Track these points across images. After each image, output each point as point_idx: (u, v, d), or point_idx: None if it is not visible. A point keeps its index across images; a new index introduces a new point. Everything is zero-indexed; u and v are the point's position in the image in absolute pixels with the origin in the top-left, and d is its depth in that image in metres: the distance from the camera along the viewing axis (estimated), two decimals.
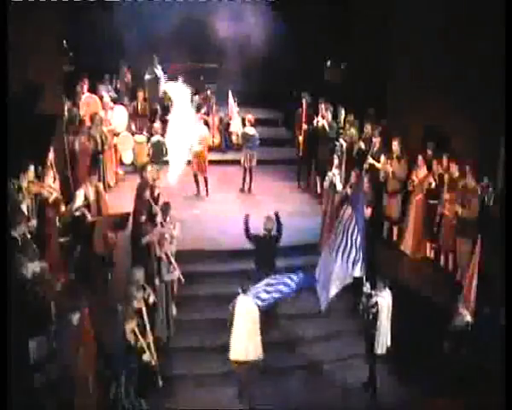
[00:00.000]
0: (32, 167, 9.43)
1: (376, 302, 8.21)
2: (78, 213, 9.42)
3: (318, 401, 8.50)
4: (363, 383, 8.66)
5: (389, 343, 8.39)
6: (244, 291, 8.14)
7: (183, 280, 9.10)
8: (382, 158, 11.45)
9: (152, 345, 7.63)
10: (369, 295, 8.28)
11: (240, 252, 10.14)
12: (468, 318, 8.25)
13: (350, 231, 8.32)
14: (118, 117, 13.24)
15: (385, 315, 8.27)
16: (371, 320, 8.24)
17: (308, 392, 8.64)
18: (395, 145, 11.21)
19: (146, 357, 7.49)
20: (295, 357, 9.27)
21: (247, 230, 9.25)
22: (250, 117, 13.33)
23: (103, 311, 8.25)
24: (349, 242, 8.32)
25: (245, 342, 8.04)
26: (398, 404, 8.32)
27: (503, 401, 6.75)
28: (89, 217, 9.43)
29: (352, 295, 9.21)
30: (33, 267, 7.85)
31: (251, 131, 13.04)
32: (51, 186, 9.60)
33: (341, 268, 8.35)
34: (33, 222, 8.82)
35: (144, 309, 7.66)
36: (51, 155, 10.19)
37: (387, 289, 8.31)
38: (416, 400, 8.20)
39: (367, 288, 8.30)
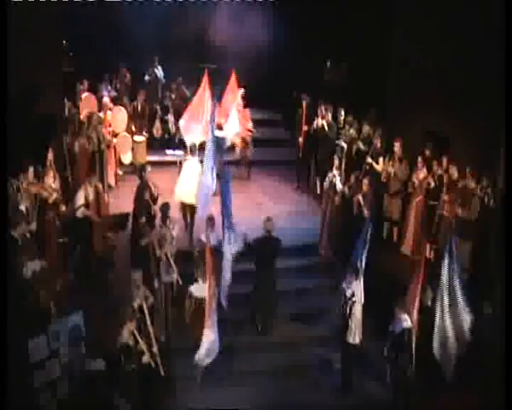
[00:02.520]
0: (31, 168, 9.43)
1: (353, 293, 8.32)
2: (80, 215, 9.42)
3: (316, 401, 8.51)
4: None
5: (361, 336, 8.47)
6: None
7: (180, 282, 9.09)
8: (381, 159, 11.46)
9: (154, 346, 7.62)
10: (344, 289, 8.43)
11: (240, 252, 10.12)
12: (408, 324, 8.00)
13: None
14: (117, 118, 13.23)
15: (359, 306, 8.36)
16: (347, 311, 8.37)
17: (306, 392, 8.65)
18: (397, 146, 11.21)
19: (145, 359, 7.49)
20: (295, 357, 9.27)
21: (248, 246, 9.18)
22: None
23: (103, 311, 8.26)
24: None
25: None
26: (398, 403, 8.30)
27: (503, 401, 6.75)
28: (93, 217, 9.44)
29: None
30: (33, 266, 7.86)
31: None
32: (51, 186, 9.59)
33: None
34: (33, 222, 8.83)
35: (145, 310, 7.65)
36: (50, 155, 10.19)
37: (359, 281, 8.35)
38: (416, 400, 8.19)
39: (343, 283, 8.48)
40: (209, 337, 8.08)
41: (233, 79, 13.25)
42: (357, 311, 8.39)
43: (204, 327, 8.01)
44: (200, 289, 8.44)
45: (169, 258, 8.88)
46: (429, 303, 8.36)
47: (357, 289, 8.34)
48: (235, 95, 13.27)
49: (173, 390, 8.24)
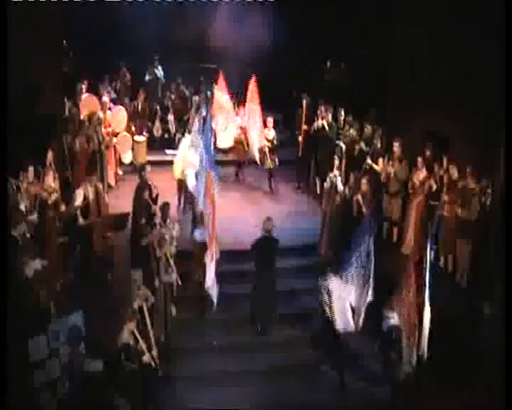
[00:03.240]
0: (31, 168, 9.43)
1: (328, 286, 8.46)
2: (80, 222, 9.42)
3: (316, 401, 8.51)
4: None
5: (343, 327, 8.54)
6: None
7: (180, 282, 9.09)
8: (381, 159, 11.46)
9: (153, 346, 7.62)
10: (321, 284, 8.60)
11: (240, 252, 10.13)
12: (395, 321, 8.03)
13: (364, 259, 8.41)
14: (117, 117, 13.23)
15: (336, 296, 8.44)
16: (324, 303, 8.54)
17: (306, 392, 8.65)
18: (396, 146, 11.21)
19: (145, 358, 7.49)
20: (295, 357, 9.27)
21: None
22: None
23: (103, 311, 8.26)
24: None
25: None
26: (398, 403, 8.30)
27: (503, 401, 6.75)
28: (92, 220, 9.44)
29: None
30: (33, 266, 7.86)
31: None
32: (51, 186, 9.60)
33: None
34: (33, 222, 8.83)
35: (145, 310, 7.65)
36: (50, 155, 10.19)
37: (334, 276, 8.48)
38: (416, 400, 8.19)
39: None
40: (211, 268, 8.80)
41: (253, 85, 12.82)
42: (336, 305, 8.47)
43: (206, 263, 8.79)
44: (202, 234, 9.15)
45: (169, 258, 8.88)
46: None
47: (333, 286, 8.44)
48: (254, 103, 12.86)
49: (173, 390, 8.24)
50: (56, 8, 10.60)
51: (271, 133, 13.06)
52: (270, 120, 13.13)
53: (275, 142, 13.04)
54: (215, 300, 9.05)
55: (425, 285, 7.96)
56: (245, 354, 9.15)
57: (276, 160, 13.06)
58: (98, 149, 11.91)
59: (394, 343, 8.02)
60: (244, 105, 13.20)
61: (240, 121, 13.29)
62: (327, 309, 8.47)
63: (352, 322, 8.57)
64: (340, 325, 8.49)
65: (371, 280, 8.36)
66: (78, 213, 9.41)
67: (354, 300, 8.52)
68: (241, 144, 13.30)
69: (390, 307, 8.12)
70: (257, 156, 12.86)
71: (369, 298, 8.42)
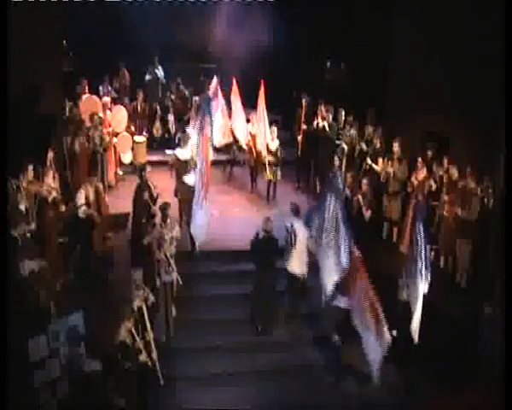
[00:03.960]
0: (31, 167, 9.43)
1: (292, 226, 9.26)
2: (82, 215, 9.41)
3: (316, 401, 8.51)
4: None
5: (306, 269, 9.37)
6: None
7: (180, 282, 9.10)
8: (381, 159, 11.46)
9: (151, 346, 7.62)
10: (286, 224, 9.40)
11: (240, 252, 10.13)
12: (343, 304, 8.48)
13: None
14: (117, 117, 13.23)
15: (300, 239, 9.22)
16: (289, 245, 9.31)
17: (306, 392, 8.65)
18: (396, 146, 11.21)
19: (142, 357, 7.49)
20: (295, 357, 9.27)
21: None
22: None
23: (103, 311, 8.26)
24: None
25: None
26: (398, 403, 8.31)
27: (503, 401, 6.75)
28: (95, 215, 9.45)
29: None
30: (33, 266, 7.86)
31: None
32: (50, 185, 9.59)
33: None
34: (33, 222, 8.82)
35: (145, 311, 7.65)
36: (51, 155, 10.18)
37: (298, 222, 9.32)
38: (416, 400, 8.20)
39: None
40: (199, 215, 9.50)
41: (262, 92, 12.44)
42: (300, 244, 9.23)
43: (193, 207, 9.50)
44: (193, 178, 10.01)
45: (168, 258, 8.88)
46: (405, 297, 8.51)
47: (298, 227, 9.23)
48: (262, 111, 12.50)
49: (173, 390, 8.24)
50: (56, 8, 10.61)
51: (274, 144, 12.43)
52: (274, 129, 12.53)
53: (278, 153, 12.37)
54: (198, 243, 9.70)
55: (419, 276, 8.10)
56: (245, 354, 9.15)
57: (279, 173, 12.47)
58: (99, 149, 11.91)
59: (340, 323, 8.53)
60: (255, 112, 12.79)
61: (250, 128, 13.04)
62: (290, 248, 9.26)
63: (305, 267, 9.37)
64: (293, 268, 9.32)
65: (343, 254, 8.45)
66: (90, 211, 9.45)
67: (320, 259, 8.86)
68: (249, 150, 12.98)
69: (340, 289, 8.51)
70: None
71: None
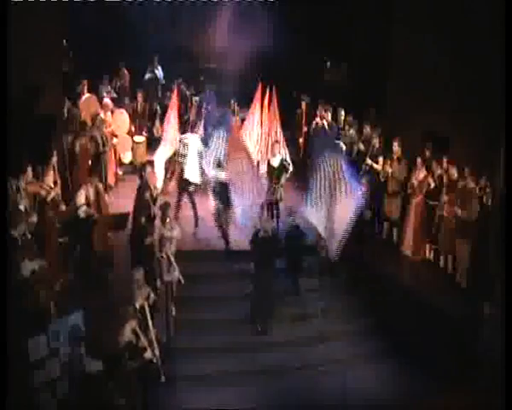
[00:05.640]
0: (29, 167, 9.41)
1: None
2: (82, 215, 9.41)
3: (316, 401, 8.50)
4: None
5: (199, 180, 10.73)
6: None
7: (182, 281, 9.10)
8: (380, 159, 11.46)
9: (154, 342, 7.62)
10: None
11: (240, 253, 10.14)
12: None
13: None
14: (119, 122, 13.22)
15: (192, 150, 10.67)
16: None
17: (306, 392, 8.65)
18: (395, 146, 11.22)
19: (147, 355, 7.48)
20: (295, 357, 9.27)
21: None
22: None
23: (103, 311, 8.26)
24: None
25: None
26: (398, 403, 8.31)
27: (503, 401, 6.75)
28: (96, 215, 9.44)
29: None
30: (33, 266, 7.85)
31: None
32: (50, 185, 9.58)
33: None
34: (33, 222, 8.82)
35: (147, 309, 7.64)
36: (54, 159, 10.12)
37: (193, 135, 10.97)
38: (416, 400, 8.20)
39: None
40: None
41: (274, 101, 11.92)
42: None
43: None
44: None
45: (169, 257, 8.89)
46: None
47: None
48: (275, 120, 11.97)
49: (173, 390, 8.24)
50: (56, 8, 10.59)
51: (277, 160, 11.13)
52: (277, 145, 11.32)
53: (284, 173, 10.99)
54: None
55: None
56: (245, 354, 9.15)
57: (281, 191, 11.00)
58: (100, 149, 11.90)
59: None
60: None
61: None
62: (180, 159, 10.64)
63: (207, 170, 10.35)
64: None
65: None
66: (90, 210, 9.44)
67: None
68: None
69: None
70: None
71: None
